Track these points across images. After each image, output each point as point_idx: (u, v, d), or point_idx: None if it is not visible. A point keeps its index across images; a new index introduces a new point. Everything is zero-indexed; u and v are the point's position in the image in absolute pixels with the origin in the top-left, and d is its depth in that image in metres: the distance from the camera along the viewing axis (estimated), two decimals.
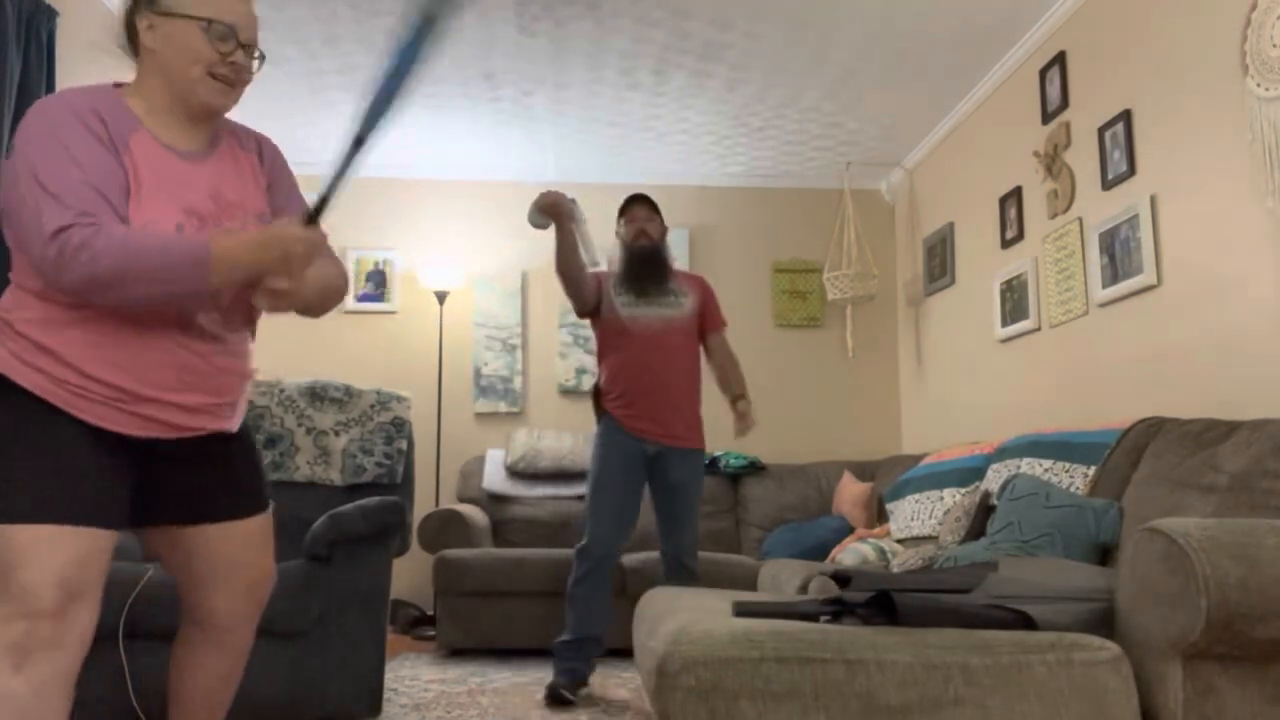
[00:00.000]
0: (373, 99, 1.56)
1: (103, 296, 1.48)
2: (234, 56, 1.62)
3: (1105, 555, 2.58)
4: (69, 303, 1.54)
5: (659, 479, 3.38)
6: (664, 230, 3.56)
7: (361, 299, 5.48)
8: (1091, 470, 2.84)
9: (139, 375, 1.56)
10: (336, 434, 3.40)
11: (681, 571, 3.37)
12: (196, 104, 1.63)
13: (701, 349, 3.54)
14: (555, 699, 3.09)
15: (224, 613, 1.77)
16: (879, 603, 1.74)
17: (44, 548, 1.48)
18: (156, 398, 1.58)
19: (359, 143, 1.56)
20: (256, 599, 1.81)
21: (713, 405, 5.77)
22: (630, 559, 4.22)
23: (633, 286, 3.46)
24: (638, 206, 3.53)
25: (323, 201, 1.59)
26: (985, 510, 3.34)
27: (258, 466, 1.82)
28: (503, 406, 5.42)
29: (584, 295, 3.38)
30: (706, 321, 3.55)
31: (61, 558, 1.48)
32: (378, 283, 5.50)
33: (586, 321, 3.61)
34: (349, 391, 3.47)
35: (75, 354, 1.53)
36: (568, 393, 5.47)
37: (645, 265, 3.46)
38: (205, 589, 1.75)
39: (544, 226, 3.24)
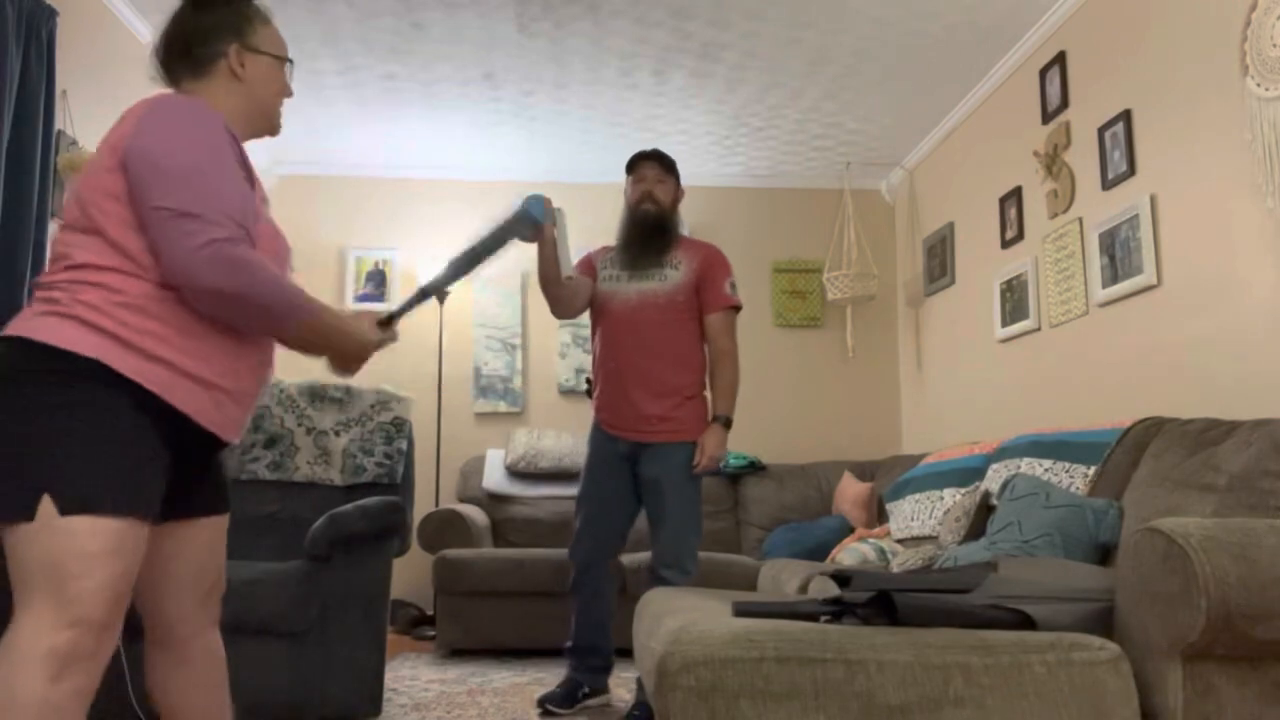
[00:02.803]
0: (454, 264, 2.00)
1: (212, 306, 1.54)
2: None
3: (1105, 555, 2.58)
4: (172, 299, 1.55)
5: (639, 477, 3.01)
6: (677, 195, 3.11)
7: (361, 299, 5.47)
8: (1091, 470, 2.84)
9: (238, 369, 1.63)
10: (336, 434, 3.40)
11: (655, 583, 2.90)
12: (273, 127, 1.81)
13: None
14: (540, 707, 3.00)
15: (183, 621, 1.73)
16: (879, 603, 1.74)
17: (104, 556, 1.45)
18: (247, 395, 1.66)
19: (424, 294, 1.91)
20: (215, 603, 1.78)
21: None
22: (630, 559, 4.22)
23: (624, 258, 3.06)
24: (646, 164, 3.08)
25: (398, 314, 1.85)
26: (985, 510, 3.34)
27: (223, 466, 1.85)
28: (503, 406, 5.42)
29: (561, 307, 3.01)
30: (703, 299, 3.03)
31: (118, 567, 1.46)
32: (378, 283, 5.50)
33: (587, 321, 3.42)
34: (349, 391, 3.47)
35: (188, 337, 1.55)
36: (568, 393, 5.47)
37: (644, 235, 3.04)
38: (169, 597, 1.71)
39: (532, 238, 2.70)
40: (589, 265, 3.16)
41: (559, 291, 2.96)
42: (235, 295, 1.52)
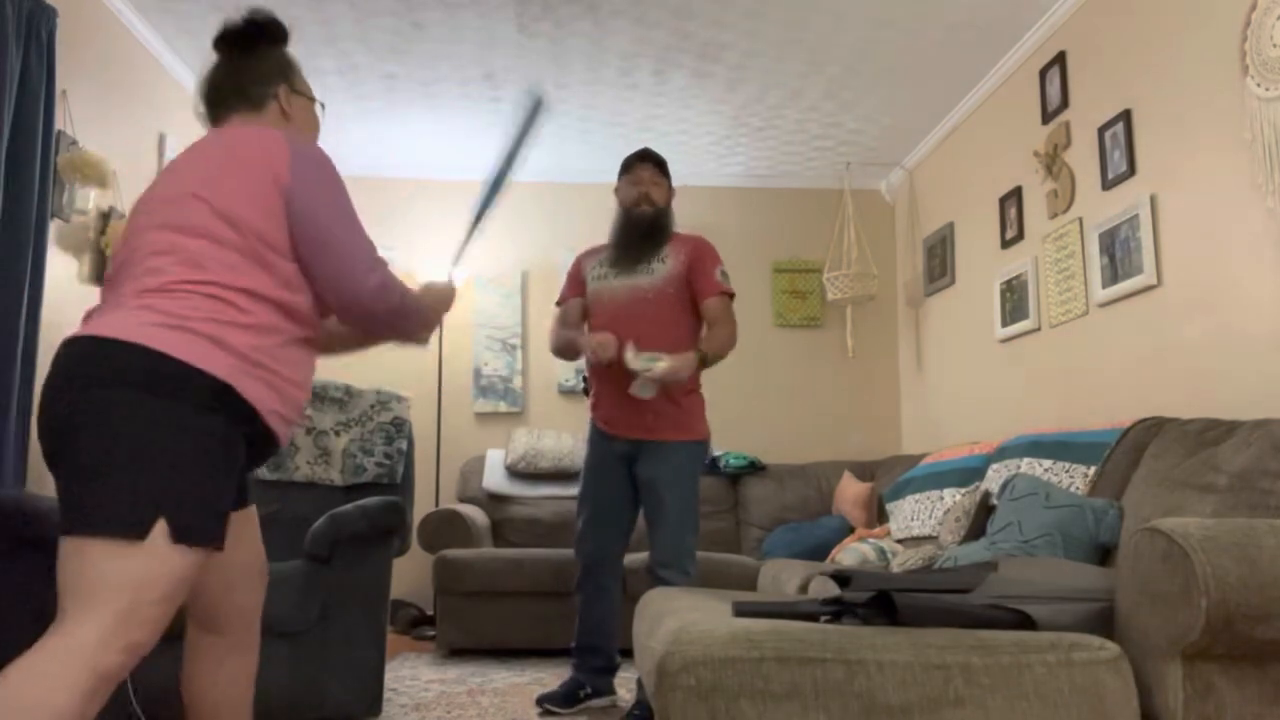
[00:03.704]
0: (488, 187, 2.07)
1: (371, 322, 1.75)
2: None
3: (1105, 555, 2.58)
4: (289, 325, 1.64)
5: (637, 478, 2.99)
6: (671, 196, 3.13)
7: None
8: (1091, 470, 2.84)
9: (307, 389, 1.73)
10: (336, 434, 3.40)
11: (654, 584, 2.86)
12: None
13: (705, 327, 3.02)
14: (540, 706, 2.99)
15: (249, 607, 1.83)
16: (879, 603, 1.74)
17: (183, 586, 1.49)
18: (301, 411, 1.75)
19: (477, 221, 2.05)
20: (264, 589, 1.89)
21: (712, 403, 5.77)
22: (630, 559, 4.21)
23: (615, 257, 3.06)
24: (642, 167, 3.08)
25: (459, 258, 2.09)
26: (985, 510, 3.34)
27: None
28: (503, 406, 5.42)
29: (566, 357, 3.17)
30: (696, 289, 2.98)
31: (183, 596, 1.51)
32: None
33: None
34: (349, 391, 3.47)
35: (289, 368, 1.64)
36: (568, 392, 5.47)
37: (640, 236, 3.03)
38: (235, 588, 1.80)
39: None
40: (577, 277, 3.16)
41: (572, 356, 3.14)
42: (390, 316, 1.74)
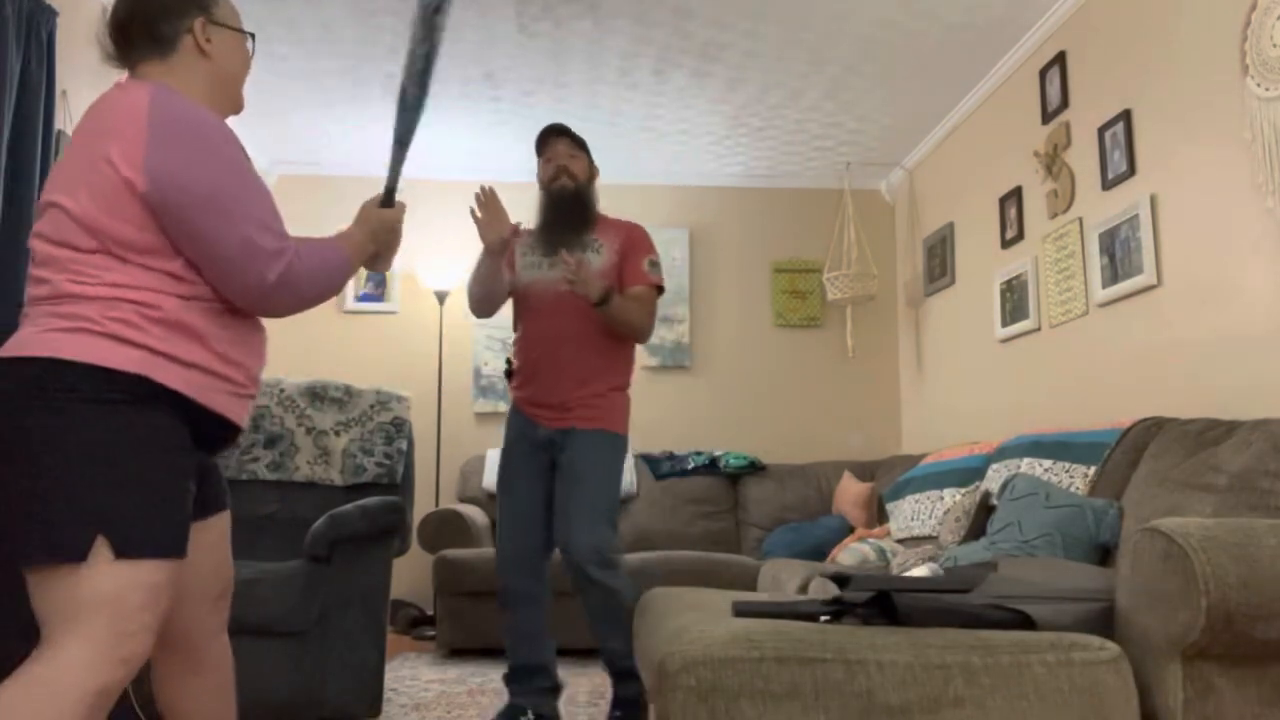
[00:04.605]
0: (403, 101, 1.76)
1: (287, 312, 1.61)
2: None
3: (1105, 555, 2.58)
4: (207, 295, 1.53)
5: (556, 466, 2.82)
6: (592, 172, 2.96)
7: (362, 299, 5.48)
8: (1091, 470, 2.84)
9: (253, 360, 1.62)
10: (336, 434, 3.39)
11: (578, 577, 2.64)
12: (237, 105, 1.73)
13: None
14: None
15: (199, 626, 1.70)
16: (879, 603, 1.74)
17: (158, 594, 1.43)
18: (256, 382, 1.65)
19: (401, 145, 1.77)
20: (226, 605, 1.76)
21: (712, 403, 5.80)
22: (630, 560, 4.22)
23: (542, 241, 2.88)
24: (557, 141, 2.92)
25: (392, 189, 1.80)
26: (985, 510, 3.34)
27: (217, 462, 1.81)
28: (502, 406, 5.42)
29: (485, 309, 2.92)
30: (622, 278, 2.83)
31: (165, 602, 1.45)
32: (378, 283, 5.50)
33: None
34: (349, 391, 3.47)
35: (217, 341, 1.53)
36: None
37: (563, 213, 2.87)
38: (185, 602, 1.67)
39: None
40: (508, 252, 2.92)
41: (492, 303, 2.92)
42: (310, 302, 1.62)
